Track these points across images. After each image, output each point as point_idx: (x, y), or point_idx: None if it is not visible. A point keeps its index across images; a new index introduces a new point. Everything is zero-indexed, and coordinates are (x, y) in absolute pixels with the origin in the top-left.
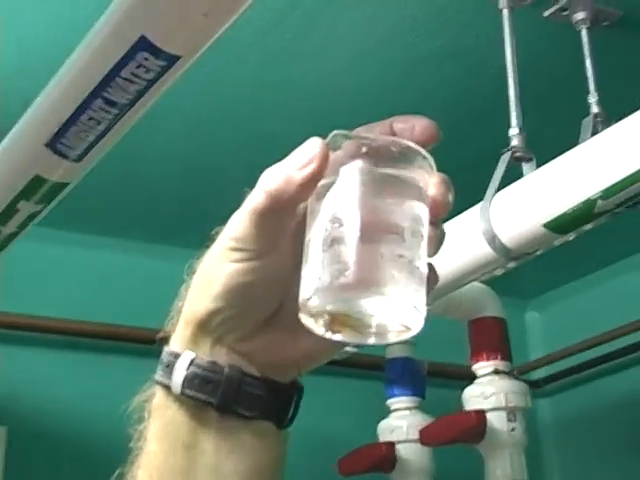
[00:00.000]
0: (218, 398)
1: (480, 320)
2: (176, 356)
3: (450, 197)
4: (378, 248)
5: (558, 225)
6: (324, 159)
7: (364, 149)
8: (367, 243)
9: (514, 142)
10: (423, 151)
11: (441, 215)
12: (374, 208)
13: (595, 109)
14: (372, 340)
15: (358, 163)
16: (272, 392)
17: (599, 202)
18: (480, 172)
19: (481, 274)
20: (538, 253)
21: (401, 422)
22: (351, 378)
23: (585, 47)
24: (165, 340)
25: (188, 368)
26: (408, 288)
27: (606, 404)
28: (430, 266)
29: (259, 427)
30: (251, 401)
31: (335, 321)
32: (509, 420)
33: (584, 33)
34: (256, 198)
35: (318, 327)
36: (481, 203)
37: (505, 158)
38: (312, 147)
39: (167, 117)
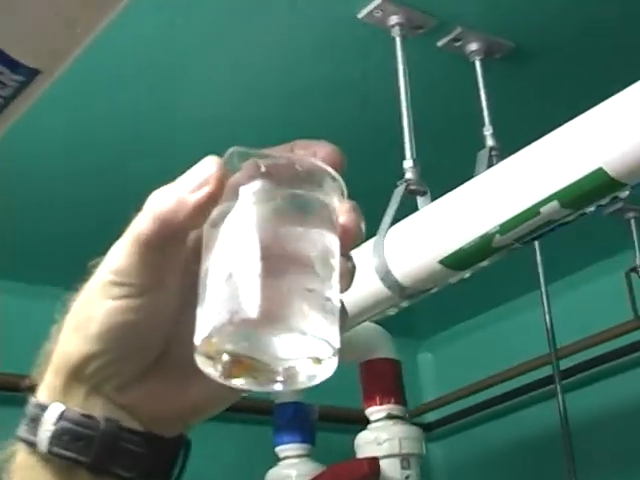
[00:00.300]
0: (92, 457)
1: (372, 362)
2: (43, 408)
3: (362, 226)
4: (284, 281)
5: (455, 261)
6: (220, 180)
7: (263, 168)
8: (271, 276)
9: (408, 175)
10: (332, 172)
11: (353, 246)
12: (278, 236)
13: (490, 142)
14: (279, 387)
15: (257, 184)
16: (155, 449)
17: (497, 237)
18: (374, 205)
19: (374, 313)
20: (433, 291)
21: (290, 471)
22: (237, 423)
23: (479, 78)
24: (31, 390)
25: (57, 422)
26: (320, 323)
27: (498, 447)
28: (340, 301)
29: None
30: (130, 460)
31: (236, 365)
32: (403, 467)
33: (478, 64)
34: (141, 224)
35: (216, 372)
36: (374, 237)
37: (399, 191)
38: (207, 167)
39: (37, 148)
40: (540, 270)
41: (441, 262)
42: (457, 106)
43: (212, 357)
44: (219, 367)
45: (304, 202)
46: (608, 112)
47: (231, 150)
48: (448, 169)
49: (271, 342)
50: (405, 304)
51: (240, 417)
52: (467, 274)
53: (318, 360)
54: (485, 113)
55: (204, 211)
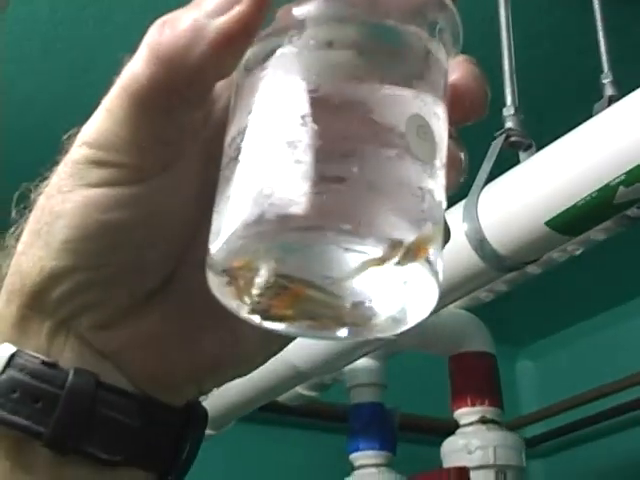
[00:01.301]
0: (52, 427)
1: (464, 356)
2: None
3: (487, 92)
4: (365, 163)
5: (565, 222)
6: None
7: None
8: (344, 154)
9: (509, 124)
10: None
11: (472, 118)
12: (353, 94)
13: (609, 91)
14: (344, 332)
15: (322, 7)
16: (152, 421)
17: (621, 189)
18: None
19: (465, 291)
20: (537, 267)
21: None
22: (308, 429)
23: (597, 16)
24: None
25: (3, 372)
26: (418, 232)
27: (606, 468)
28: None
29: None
30: (113, 435)
31: (278, 294)
32: None
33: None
34: (136, 69)
35: (243, 304)
36: (466, 199)
37: (497, 143)
38: None
39: None
40: None
41: (548, 224)
42: (569, 48)
43: (237, 279)
44: (248, 297)
45: (397, 44)
46: None
47: None
48: (556, 122)
49: (340, 258)
50: (504, 287)
51: (311, 422)
52: (578, 249)
53: (410, 292)
54: (604, 58)
55: (234, 48)
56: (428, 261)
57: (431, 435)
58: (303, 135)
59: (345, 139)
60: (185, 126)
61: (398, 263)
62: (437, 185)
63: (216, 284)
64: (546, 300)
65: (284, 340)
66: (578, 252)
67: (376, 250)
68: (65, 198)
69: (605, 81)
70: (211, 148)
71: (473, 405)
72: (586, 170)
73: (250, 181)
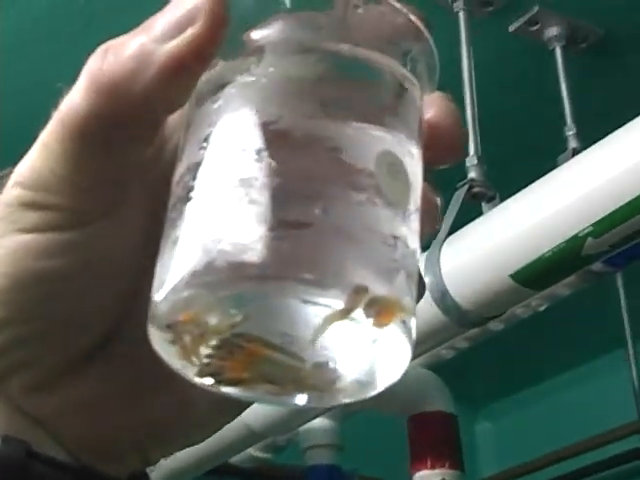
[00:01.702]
0: None
1: (423, 416)
2: None
3: (463, 130)
4: (332, 207)
5: (531, 275)
6: (219, 18)
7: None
8: (307, 196)
9: (472, 174)
10: (423, 29)
11: (448, 160)
12: (317, 129)
13: (573, 144)
14: (302, 399)
15: (285, 31)
16: None
17: (589, 241)
18: None
19: (426, 348)
20: (499, 322)
21: None
22: None
23: (560, 69)
24: None
25: None
26: (391, 286)
27: None
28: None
29: None
30: None
31: (230, 354)
32: None
33: (558, 53)
34: (75, 100)
35: (191, 364)
36: (427, 251)
37: (460, 194)
38: None
39: None
40: (625, 320)
41: (513, 277)
42: (533, 99)
43: (183, 335)
44: (196, 357)
45: (367, 75)
46: None
47: None
48: (520, 173)
49: (301, 312)
50: (465, 343)
51: None
52: (541, 305)
53: (379, 352)
54: (567, 110)
55: (186, 76)
56: (400, 318)
57: None
58: (259, 173)
59: (308, 179)
60: (131, 165)
61: (367, 317)
62: (411, 231)
63: (159, 341)
64: (505, 360)
65: (241, 405)
66: (542, 308)
67: (339, 301)
68: None
69: (569, 133)
70: (161, 192)
71: (433, 468)
72: (554, 220)
73: (199, 224)
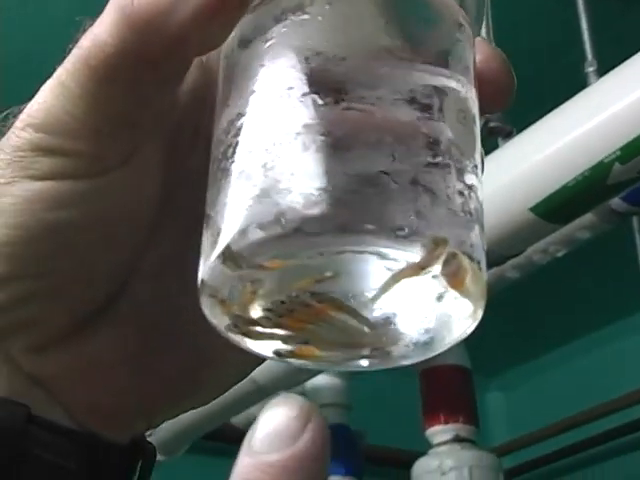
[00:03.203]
0: None
1: (436, 369)
2: None
3: (514, 78)
4: (405, 155)
5: (553, 207)
6: None
7: None
8: (379, 144)
9: None
10: None
11: (495, 108)
12: (391, 71)
13: (593, 81)
14: (365, 362)
15: None
16: (91, 462)
17: (616, 166)
18: None
19: None
20: (516, 270)
21: None
22: None
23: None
24: None
25: None
26: (469, 235)
27: None
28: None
29: None
30: (43, 478)
31: (288, 315)
32: None
33: None
34: (100, 33)
35: (242, 332)
36: None
37: None
38: None
39: None
40: None
41: (533, 210)
42: (552, 36)
43: (237, 290)
44: (248, 315)
45: (431, 13)
46: None
47: None
48: (538, 110)
49: (374, 268)
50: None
51: None
52: (561, 250)
53: (446, 311)
54: (587, 46)
55: (227, 15)
56: (473, 279)
57: (400, 463)
58: (325, 119)
59: (379, 126)
60: (154, 109)
61: (442, 274)
62: (479, 180)
63: (206, 303)
64: (517, 328)
65: (252, 363)
66: (560, 253)
67: (417, 255)
68: (2, 191)
69: (589, 70)
70: (175, 137)
71: (446, 423)
72: (576, 146)
73: (261, 173)
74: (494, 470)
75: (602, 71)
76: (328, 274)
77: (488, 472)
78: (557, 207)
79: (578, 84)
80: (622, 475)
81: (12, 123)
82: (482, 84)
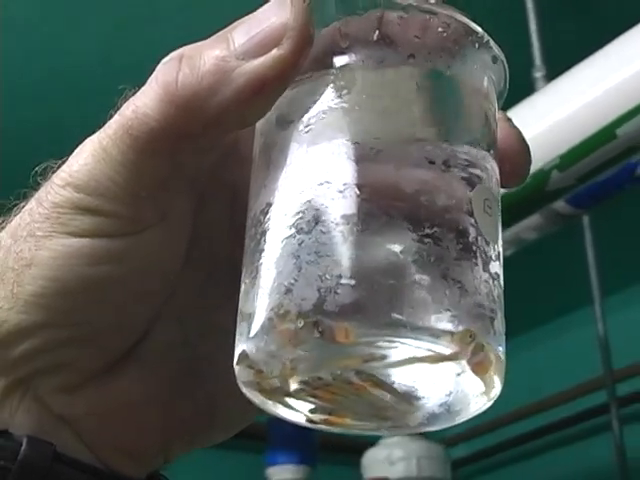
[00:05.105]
0: None
1: None
2: None
3: (530, 155)
4: (417, 240)
5: None
6: (305, 39)
7: (390, 25)
8: (417, 237)
9: None
10: (495, 46)
11: (512, 185)
12: (425, 160)
13: (541, 86)
14: (382, 430)
15: (377, 52)
16: None
17: (554, 174)
18: None
19: None
20: None
21: None
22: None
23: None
24: None
25: None
26: (492, 325)
27: None
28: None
29: None
30: None
31: (325, 387)
32: None
33: None
34: (143, 108)
35: (279, 399)
36: None
37: None
38: (281, 9)
39: None
40: (594, 277)
41: None
42: (500, 39)
43: (270, 372)
44: (288, 389)
45: (459, 97)
46: None
47: None
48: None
49: (408, 355)
50: None
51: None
52: (508, 250)
53: (462, 391)
54: (535, 50)
55: (265, 98)
56: (494, 370)
57: (352, 452)
58: (365, 213)
59: (411, 220)
60: (190, 175)
61: (468, 363)
62: (501, 266)
63: (243, 375)
64: None
65: (256, 412)
66: (507, 253)
67: (447, 348)
68: (40, 244)
69: (537, 75)
70: (203, 190)
71: None
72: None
73: (304, 260)
74: (441, 461)
75: (551, 77)
76: (377, 355)
77: (436, 463)
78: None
79: (526, 89)
80: (570, 465)
81: (48, 177)
82: (502, 161)
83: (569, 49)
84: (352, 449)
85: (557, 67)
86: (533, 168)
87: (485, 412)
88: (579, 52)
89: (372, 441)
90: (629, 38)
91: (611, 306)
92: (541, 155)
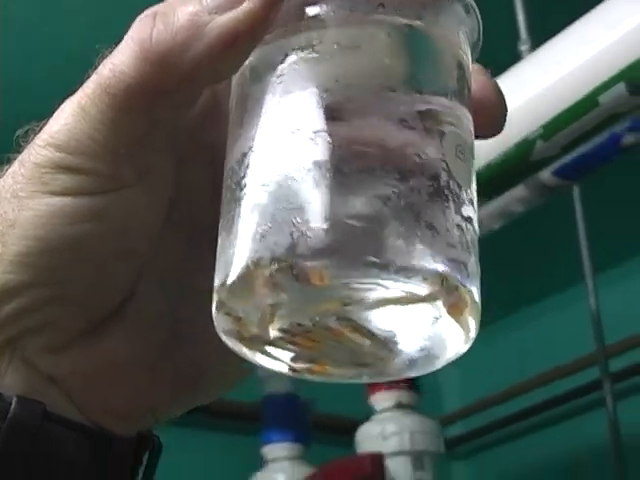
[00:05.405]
0: None
1: None
2: None
3: (504, 108)
4: (389, 183)
5: (479, 183)
6: None
7: None
8: (386, 181)
9: None
10: None
11: (488, 135)
12: (395, 108)
13: None
14: (360, 377)
15: (346, 3)
16: (102, 456)
17: (538, 144)
18: None
19: None
20: None
21: (278, 475)
22: (219, 431)
23: None
24: None
25: None
26: (467, 268)
27: (534, 466)
28: None
29: None
30: (60, 473)
31: (306, 333)
32: (415, 468)
33: None
34: (120, 65)
35: (259, 347)
36: None
37: None
38: None
39: None
40: (585, 251)
41: None
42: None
43: (248, 319)
44: (266, 334)
45: (430, 48)
46: None
47: None
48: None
49: (383, 297)
50: None
51: (220, 423)
52: (496, 223)
53: (440, 334)
54: (521, 24)
55: (238, 51)
56: (469, 311)
57: (346, 430)
58: (336, 157)
59: (385, 163)
60: (167, 131)
61: (443, 304)
62: (475, 210)
63: (220, 321)
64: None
65: (247, 368)
66: (496, 226)
67: (422, 288)
68: (23, 205)
69: (522, 48)
70: (182, 151)
71: (388, 389)
72: None
73: (274, 208)
74: (435, 435)
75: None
76: (354, 298)
77: (429, 437)
78: (484, 182)
79: (512, 63)
80: (564, 442)
81: (30, 139)
82: (477, 112)
83: (555, 22)
84: (347, 429)
85: (544, 40)
86: (517, 138)
87: (479, 390)
88: (565, 23)
89: (365, 418)
90: (609, 6)
91: (603, 281)
92: (525, 125)
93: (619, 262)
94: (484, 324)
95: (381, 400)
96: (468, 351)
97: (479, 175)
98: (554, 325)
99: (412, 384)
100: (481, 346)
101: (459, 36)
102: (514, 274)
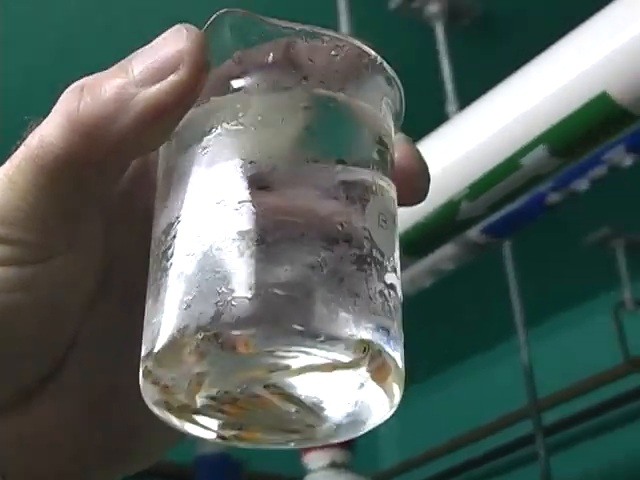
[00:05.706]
0: None
1: None
2: None
3: (429, 175)
4: (312, 252)
5: (408, 242)
6: (200, 65)
7: (280, 50)
8: (309, 249)
9: None
10: (390, 69)
11: (411, 203)
12: (317, 179)
13: None
14: (290, 443)
15: (269, 76)
16: None
17: (464, 204)
18: None
19: None
20: None
21: None
22: None
23: (441, 46)
24: None
25: None
26: (389, 334)
27: None
28: None
29: None
30: None
31: (233, 401)
32: None
33: (439, 30)
34: (51, 138)
35: (187, 416)
36: None
37: None
38: (176, 39)
39: None
40: (516, 306)
41: None
42: (414, 79)
43: (176, 388)
44: (189, 407)
45: (352, 119)
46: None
47: (220, 14)
48: None
49: (310, 366)
50: None
51: None
52: (427, 281)
53: (365, 400)
54: (448, 87)
55: (164, 123)
56: (393, 377)
57: None
58: (260, 227)
59: (306, 232)
60: (96, 201)
61: (367, 371)
62: (398, 277)
63: (148, 390)
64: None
65: (182, 434)
66: (427, 284)
67: (345, 356)
68: None
69: (450, 109)
70: (112, 217)
71: (322, 448)
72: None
73: (199, 277)
74: None
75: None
76: (280, 366)
77: None
78: (412, 242)
79: (440, 123)
80: None
81: None
82: (400, 181)
83: (483, 81)
84: None
85: (471, 101)
86: (443, 199)
87: (414, 446)
88: (493, 83)
89: (301, 478)
90: (532, 69)
91: (534, 335)
92: (452, 185)
93: (550, 316)
94: (419, 380)
95: (315, 459)
96: (404, 407)
97: (407, 234)
98: (488, 380)
99: (346, 442)
100: (417, 402)
101: (381, 107)
102: (447, 330)
